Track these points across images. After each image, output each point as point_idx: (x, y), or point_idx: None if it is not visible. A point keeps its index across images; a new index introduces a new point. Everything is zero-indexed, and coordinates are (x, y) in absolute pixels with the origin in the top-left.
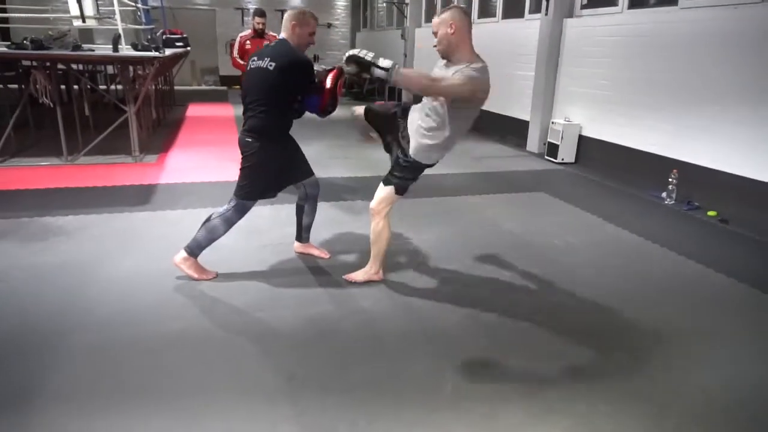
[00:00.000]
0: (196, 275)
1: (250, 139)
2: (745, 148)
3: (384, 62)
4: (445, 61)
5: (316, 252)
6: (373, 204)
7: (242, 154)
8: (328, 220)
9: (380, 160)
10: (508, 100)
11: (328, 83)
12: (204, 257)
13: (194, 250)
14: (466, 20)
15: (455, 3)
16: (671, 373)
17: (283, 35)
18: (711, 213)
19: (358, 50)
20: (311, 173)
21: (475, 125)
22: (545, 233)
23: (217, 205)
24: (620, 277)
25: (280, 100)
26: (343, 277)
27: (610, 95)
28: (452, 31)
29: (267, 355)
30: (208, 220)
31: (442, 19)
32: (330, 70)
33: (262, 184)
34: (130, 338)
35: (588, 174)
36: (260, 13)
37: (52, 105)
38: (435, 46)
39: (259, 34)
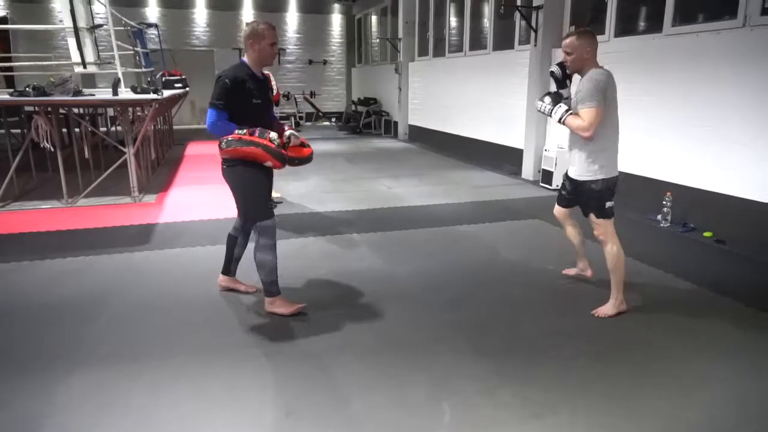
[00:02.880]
0: (287, 311)
1: (225, 166)
2: (738, 169)
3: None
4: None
5: (243, 287)
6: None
7: (227, 183)
8: (324, 253)
9: (378, 193)
10: (502, 128)
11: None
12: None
13: (269, 289)
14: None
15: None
16: (671, 392)
17: (244, 57)
18: (707, 234)
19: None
20: None
21: (470, 154)
22: (541, 259)
23: (216, 243)
24: None
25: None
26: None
27: None
28: (587, 56)
29: (265, 389)
30: (255, 258)
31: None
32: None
33: (259, 203)
34: (131, 374)
35: None
36: None
37: (52, 149)
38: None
39: None
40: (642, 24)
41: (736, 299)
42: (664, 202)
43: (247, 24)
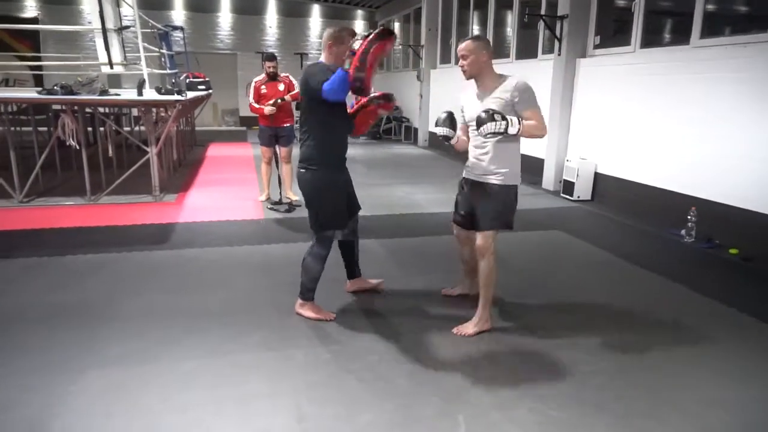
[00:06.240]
0: (314, 316)
1: (302, 170)
2: (764, 185)
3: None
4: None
5: (374, 282)
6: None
7: (300, 188)
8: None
9: (396, 199)
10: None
11: (355, 55)
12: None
13: (304, 293)
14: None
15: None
16: (688, 416)
17: (321, 57)
18: (732, 251)
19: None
20: (359, 207)
21: None
22: (560, 272)
23: (233, 244)
24: (634, 317)
25: (316, 124)
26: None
27: (625, 132)
28: (484, 59)
29: (277, 395)
30: (303, 260)
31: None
32: (365, 37)
33: (328, 213)
34: (142, 376)
35: (604, 211)
36: (270, 57)
37: (78, 147)
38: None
39: (271, 77)
40: (668, 36)
41: (761, 320)
42: (689, 217)
43: (329, 28)
